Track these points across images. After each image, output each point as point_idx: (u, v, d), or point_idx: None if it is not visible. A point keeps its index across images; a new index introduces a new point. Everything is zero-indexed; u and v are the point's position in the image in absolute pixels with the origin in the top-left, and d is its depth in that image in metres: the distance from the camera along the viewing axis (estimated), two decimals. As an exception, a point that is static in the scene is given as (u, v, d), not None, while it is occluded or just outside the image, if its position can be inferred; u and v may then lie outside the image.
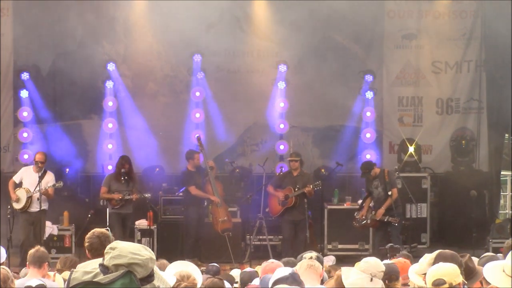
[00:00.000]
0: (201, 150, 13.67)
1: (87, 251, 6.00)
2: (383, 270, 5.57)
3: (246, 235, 14.12)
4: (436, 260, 5.30)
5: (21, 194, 12.76)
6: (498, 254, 7.23)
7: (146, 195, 13.33)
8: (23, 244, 12.55)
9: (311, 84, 15.14)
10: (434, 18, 15.32)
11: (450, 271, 4.95)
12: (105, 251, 3.44)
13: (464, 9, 15.34)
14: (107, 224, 13.03)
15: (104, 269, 3.39)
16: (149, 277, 3.44)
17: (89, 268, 3.46)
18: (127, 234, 13.21)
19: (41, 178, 12.72)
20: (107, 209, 13.37)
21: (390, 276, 6.01)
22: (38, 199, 12.73)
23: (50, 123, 14.82)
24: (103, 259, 3.43)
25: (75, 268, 3.58)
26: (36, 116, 14.69)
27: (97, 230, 6.10)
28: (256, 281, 6.61)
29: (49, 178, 12.86)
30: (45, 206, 12.87)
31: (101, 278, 3.35)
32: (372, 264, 5.53)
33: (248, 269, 7.59)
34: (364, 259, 5.64)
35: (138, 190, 13.26)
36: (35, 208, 12.78)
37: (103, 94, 14.89)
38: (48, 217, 13.60)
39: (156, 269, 3.52)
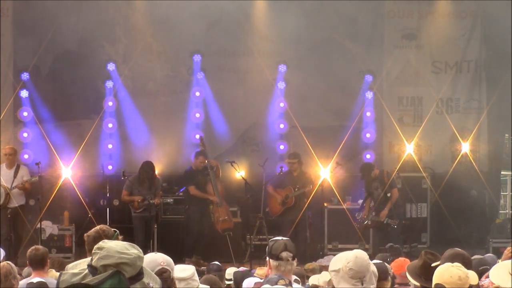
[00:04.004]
0: (203, 150, 13.67)
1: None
2: (368, 263, 4.98)
3: (246, 235, 14.14)
4: (444, 260, 5.22)
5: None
6: (488, 255, 7.15)
7: (169, 201, 13.87)
8: (9, 239, 12.78)
9: (311, 84, 15.14)
10: (434, 18, 15.31)
11: (455, 280, 4.79)
12: (93, 251, 3.40)
13: (464, 9, 15.34)
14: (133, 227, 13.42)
15: (93, 270, 3.35)
16: (138, 276, 3.41)
17: (77, 269, 3.43)
18: (151, 237, 13.31)
19: (15, 173, 13.03)
20: (131, 212, 13.49)
21: (379, 275, 5.91)
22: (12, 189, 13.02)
23: (50, 123, 14.81)
24: (91, 260, 3.40)
25: (62, 269, 3.56)
26: (36, 116, 14.69)
27: (101, 225, 6.04)
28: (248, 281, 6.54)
29: (24, 172, 13.18)
30: (22, 201, 13.23)
31: (89, 279, 3.31)
32: (359, 268, 4.84)
33: (241, 268, 7.60)
34: (347, 265, 4.83)
35: (160, 195, 13.51)
36: (13, 203, 13.03)
37: (103, 94, 14.89)
38: (48, 217, 13.67)
39: (145, 266, 3.49)
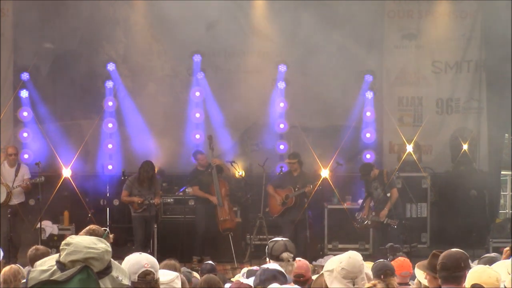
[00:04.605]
0: (210, 149, 13.67)
1: None
2: (362, 264, 5.03)
3: (246, 235, 14.13)
4: (441, 259, 5.23)
5: (1, 189, 13.10)
6: (494, 254, 7.19)
7: (169, 201, 13.89)
8: (11, 237, 12.83)
9: (311, 84, 15.14)
10: (434, 18, 15.31)
11: (493, 281, 4.88)
12: (61, 247, 3.40)
13: (464, 9, 15.34)
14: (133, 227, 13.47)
15: (61, 266, 3.34)
16: (107, 270, 3.41)
17: (46, 266, 3.41)
18: (151, 237, 13.31)
19: (16, 172, 13.21)
20: (131, 212, 13.50)
21: (385, 272, 5.92)
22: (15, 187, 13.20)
23: (50, 123, 14.81)
24: (60, 256, 3.39)
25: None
26: (36, 116, 14.69)
27: (91, 226, 6.04)
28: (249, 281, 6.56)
29: (25, 171, 13.33)
30: (22, 199, 13.40)
31: (58, 276, 3.30)
32: (351, 268, 4.91)
33: (255, 267, 7.60)
34: (340, 265, 4.91)
35: (160, 195, 13.52)
36: (14, 201, 13.17)
37: (103, 94, 14.89)
38: (48, 217, 13.68)
39: (113, 260, 3.49)
